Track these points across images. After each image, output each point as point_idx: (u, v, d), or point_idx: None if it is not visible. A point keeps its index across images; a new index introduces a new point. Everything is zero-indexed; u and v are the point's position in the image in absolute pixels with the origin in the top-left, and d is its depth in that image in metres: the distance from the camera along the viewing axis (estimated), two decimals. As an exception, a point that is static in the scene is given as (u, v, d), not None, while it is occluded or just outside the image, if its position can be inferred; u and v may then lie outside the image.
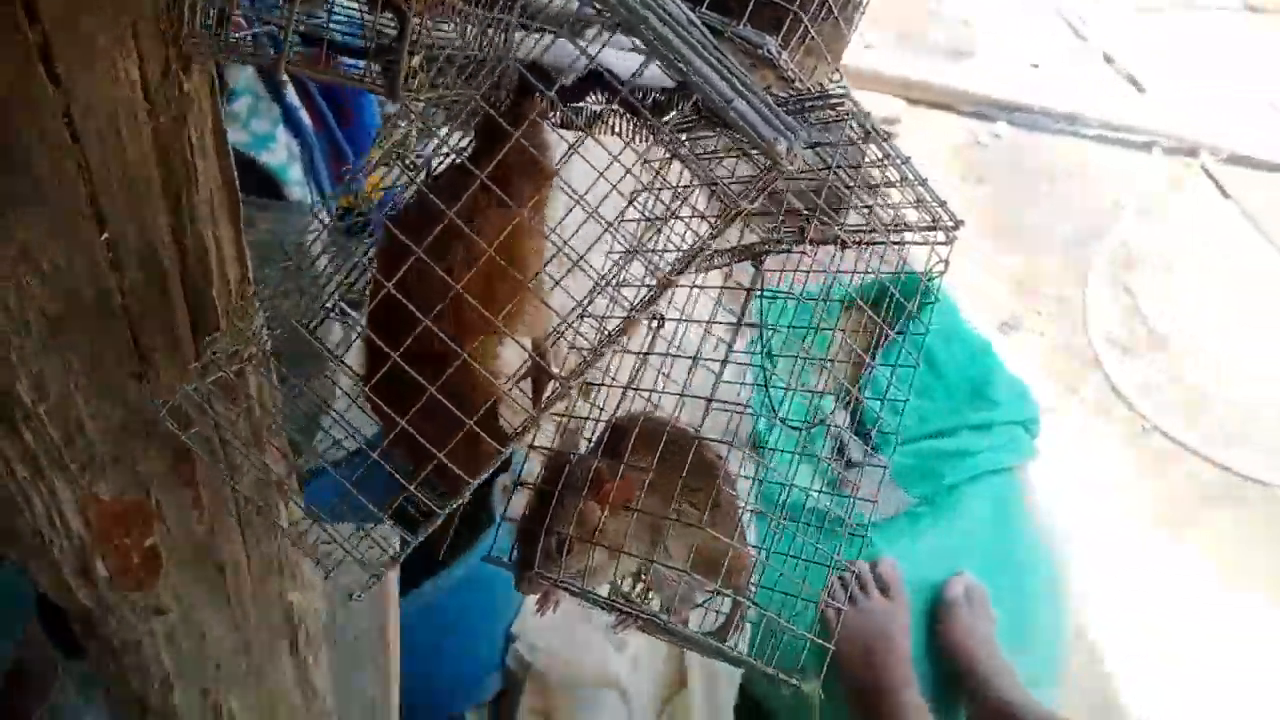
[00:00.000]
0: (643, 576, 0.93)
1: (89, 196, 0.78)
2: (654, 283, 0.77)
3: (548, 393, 0.83)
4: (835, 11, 0.86)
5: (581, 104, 0.83)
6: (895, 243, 0.92)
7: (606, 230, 0.78)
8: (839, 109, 0.78)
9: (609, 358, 0.91)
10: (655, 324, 0.83)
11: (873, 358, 1.02)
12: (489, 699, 2.19)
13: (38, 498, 0.92)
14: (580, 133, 0.74)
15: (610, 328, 0.80)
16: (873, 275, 0.94)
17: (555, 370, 0.82)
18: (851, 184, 0.81)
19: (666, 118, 0.83)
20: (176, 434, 0.81)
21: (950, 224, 0.89)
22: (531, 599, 0.97)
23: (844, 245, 0.88)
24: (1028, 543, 2.31)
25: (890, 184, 0.85)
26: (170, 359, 0.90)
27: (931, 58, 4.35)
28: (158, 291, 0.86)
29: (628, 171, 0.83)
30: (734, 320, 0.95)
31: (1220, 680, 2.44)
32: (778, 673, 0.81)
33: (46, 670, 1.64)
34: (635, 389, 0.88)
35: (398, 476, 0.79)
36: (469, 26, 0.82)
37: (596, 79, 0.87)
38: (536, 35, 0.88)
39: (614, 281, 0.82)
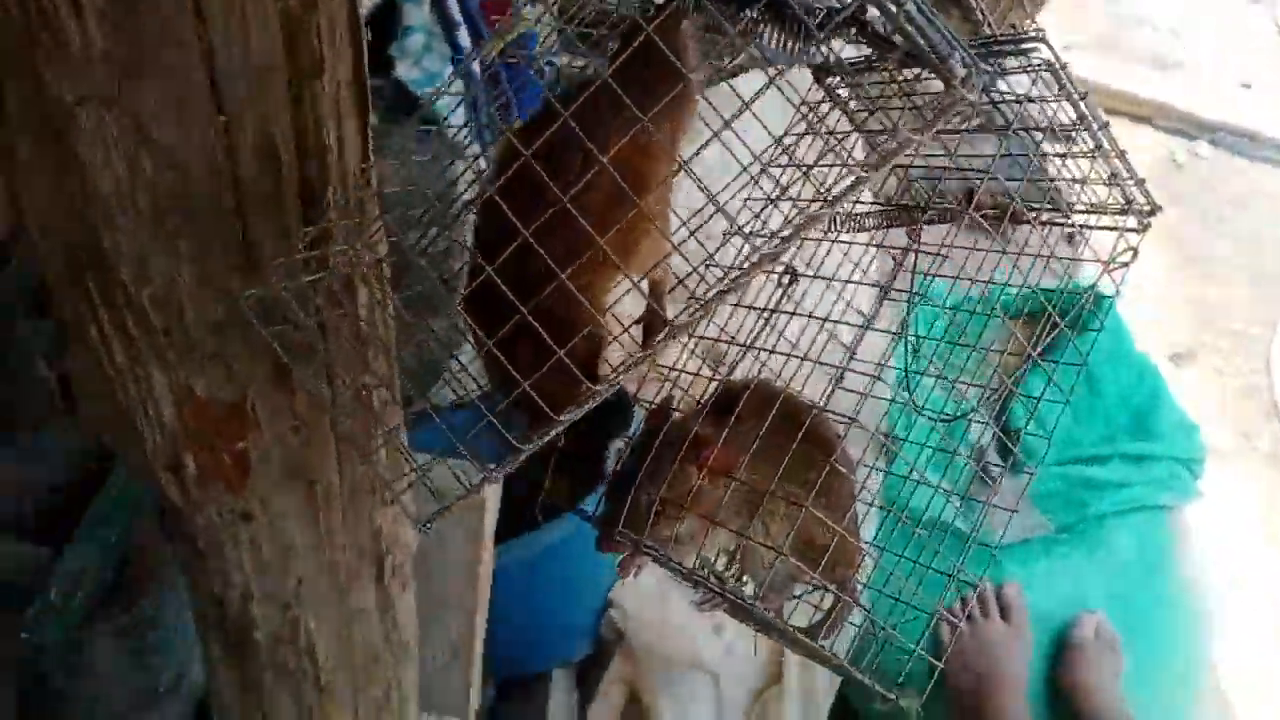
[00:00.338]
0: (736, 556, 0.85)
1: (209, 75, 0.75)
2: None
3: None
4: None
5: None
6: (1078, 226, 0.81)
7: (745, 171, 0.70)
8: (1031, 53, 0.67)
9: (729, 313, 0.82)
10: (786, 279, 0.74)
11: (1027, 368, 0.91)
12: (577, 661, 2.17)
13: (133, 385, 0.90)
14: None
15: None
16: (1041, 280, 0.83)
17: (669, 317, 0.74)
18: (1033, 147, 0.71)
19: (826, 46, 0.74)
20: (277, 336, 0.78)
21: (1146, 208, 0.77)
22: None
23: (1016, 220, 0.77)
24: (1172, 591, 2.13)
25: (1080, 154, 0.74)
26: (278, 258, 0.86)
27: (1133, 66, 4.07)
28: (271, 186, 0.82)
29: (800, 105, 0.75)
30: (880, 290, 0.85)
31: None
32: (874, 683, 0.72)
33: (159, 554, 1.69)
34: (754, 348, 0.80)
35: (483, 409, 0.73)
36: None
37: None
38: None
39: (750, 230, 0.73)
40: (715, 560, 0.87)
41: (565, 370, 0.68)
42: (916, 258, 0.80)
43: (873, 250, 0.91)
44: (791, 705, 2.01)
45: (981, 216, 0.74)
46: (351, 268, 0.86)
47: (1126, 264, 0.77)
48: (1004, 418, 1.89)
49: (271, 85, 0.77)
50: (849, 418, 0.75)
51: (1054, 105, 0.71)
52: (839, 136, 0.76)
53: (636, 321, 0.80)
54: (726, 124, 0.64)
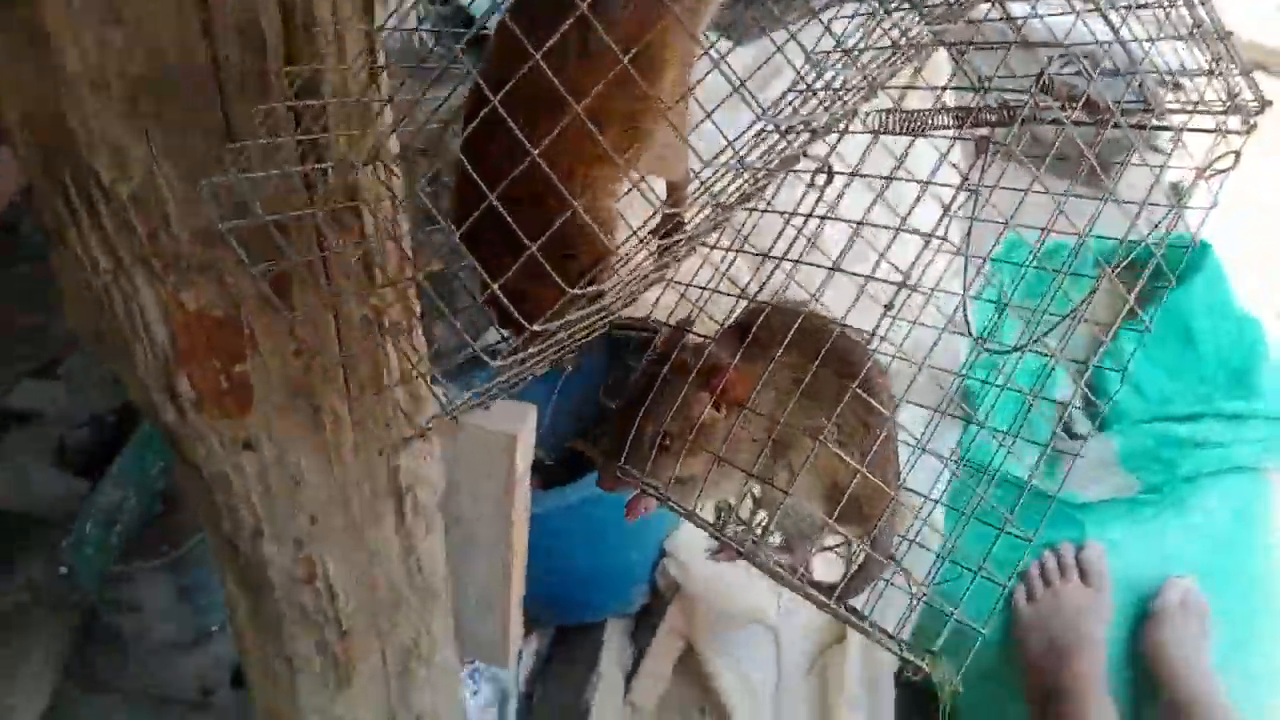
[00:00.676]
0: (760, 500, 0.75)
1: (175, -67, 0.67)
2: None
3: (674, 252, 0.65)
4: None
5: None
6: (1169, 128, 0.68)
7: (778, 52, 0.60)
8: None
9: (758, 220, 0.72)
10: (820, 177, 0.63)
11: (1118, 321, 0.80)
12: (633, 612, 2.12)
13: (119, 295, 0.84)
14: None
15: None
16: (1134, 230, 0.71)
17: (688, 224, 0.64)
18: (1117, 29, 0.59)
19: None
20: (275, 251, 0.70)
21: (1253, 104, 0.64)
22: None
23: (1103, 121, 0.65)
24: (1269, 559, 1.97)
25: (1173, 35, 0.62)
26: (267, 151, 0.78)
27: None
28: (256, 70, 0.74)
29: None
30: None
31: None
32: (901, 648, 0.62)
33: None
34: (783, 260, 0.69)
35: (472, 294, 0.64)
36: None
37: None
38: None
39: (783, 123, 0.63)
40: (740, 505, 0.77)
41: (546, 272, 0.59)
42: (986, 161, 0.69)
43: (935, 155, 0.79)
44: (854, 663, 1.91)
45: (1052, 109, 0.63)
46: (351, 169, 0.78)
47: (1225, 170, 0.65)
48: (1089, 379, 1.76)
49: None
50: (894, 355, 0.63)
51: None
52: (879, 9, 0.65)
53: (653, 232, 0.70)
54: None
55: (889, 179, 0.62)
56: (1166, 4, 0.60)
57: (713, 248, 0.72)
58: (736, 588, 1.94)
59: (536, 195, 0.59)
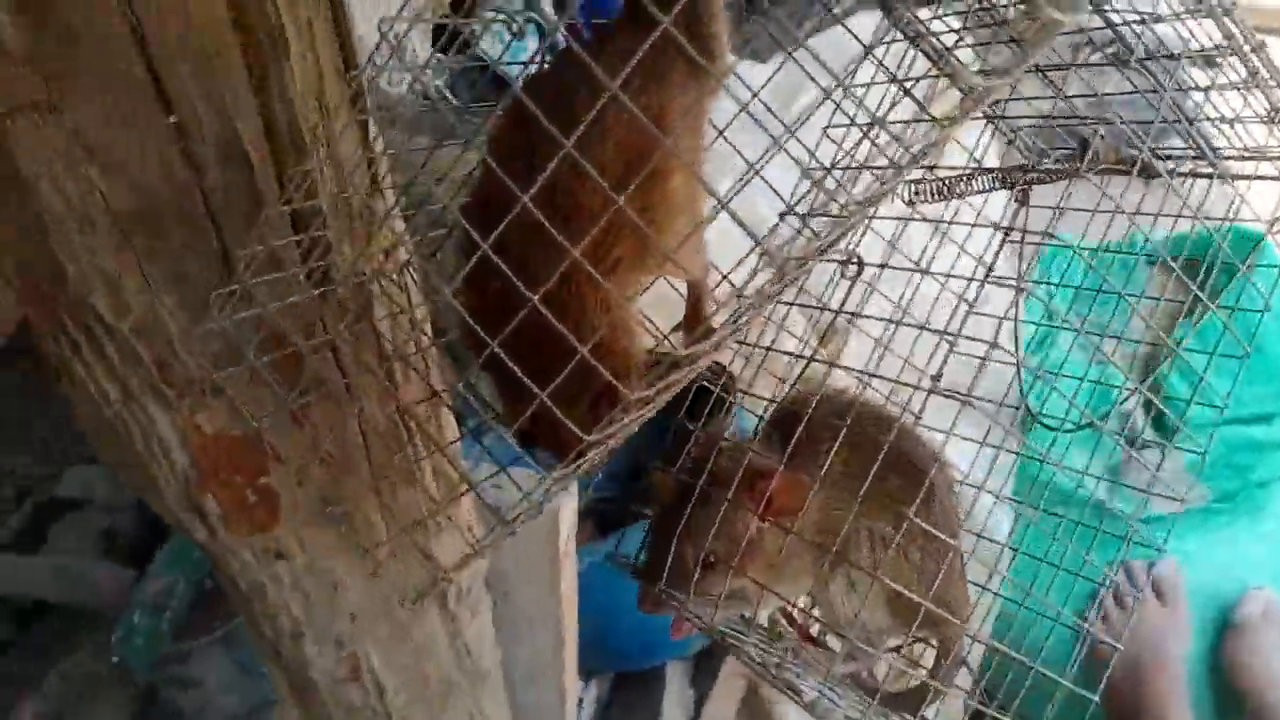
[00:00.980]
0: (814, 605, 0.70)
1: (148, 69, 0.63)
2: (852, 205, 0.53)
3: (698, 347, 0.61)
4: None
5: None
6: (1227, 175, 0.63)
7: (791, 136, 0.55)
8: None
9: (786, 310, 0.67)
10: (850, 269, 0.58)
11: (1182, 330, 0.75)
12: (692, 655, 2.07)
13: (135, 425, 0.81)
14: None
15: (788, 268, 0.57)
16: (1192, 222, 0.66)
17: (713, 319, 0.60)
18: (1167, 78, 0.53)
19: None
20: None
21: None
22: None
23: (1149, 175, 0.60)
24: (1354, 567, 1.88)
25: (1228, 85, 0.57)
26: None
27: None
28: (246, 191, 0.71)
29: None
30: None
31: None
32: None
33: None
34: (816, 360, 0.64)
35: (505, 435, 0.60)
36: None
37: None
38: None
39: (808, 206, 0.58)
40: (794, 607, 0.72)
41: (584, 392, 0.55)
42: (1026, 226, 0.64)
43: (971, 223, 0.74)
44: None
45: (1103, 172, 0.58)
46: (359, 280, 0.74)
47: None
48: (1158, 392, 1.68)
49: (222, 71, 0.66)
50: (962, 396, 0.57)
51: (1192, 24, 0.53)
52: (913, 81, 0.60)
53: (676, 328, 0.66)
54: (756, 94, 0.49)
55: (922, 272, 0.57)
56: (1219, 56, 0.54)
57: (742, 344, 0.67)
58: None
59: (546, 327, 0.55)
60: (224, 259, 0.73)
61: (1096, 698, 0.64)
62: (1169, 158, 0.61)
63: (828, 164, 0.68)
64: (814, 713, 0.55)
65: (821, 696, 0.55)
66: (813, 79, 0.52)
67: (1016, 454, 1.08)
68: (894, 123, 0.61)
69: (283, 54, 0.67)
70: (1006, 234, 0.73)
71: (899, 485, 0.65)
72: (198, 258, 0.72)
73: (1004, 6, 0.55)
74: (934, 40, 0.58)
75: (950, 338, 0.60)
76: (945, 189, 0.65)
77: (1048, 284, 1.55)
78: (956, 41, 0.59)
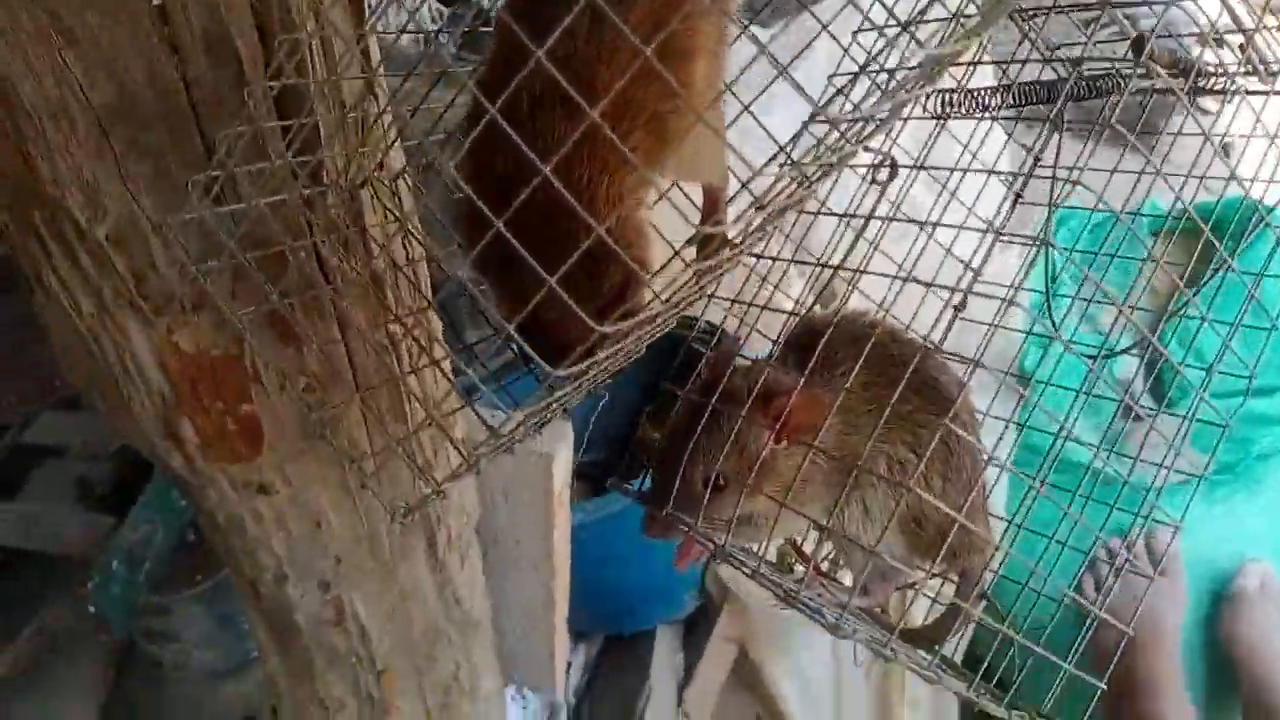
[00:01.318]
0: (826, 534, 0.66)
1: (127, -57, 0.59)
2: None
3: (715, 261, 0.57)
4: None
5: None
6: (1258, 91, 0.59)
7: (824, 30, 0.51)
8: None
9: (809, 223, 0.63)
10: (882, 172, 0.54)
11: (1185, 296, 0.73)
12: (682, 618, 2.04)
13: (109, 341, 0.77)
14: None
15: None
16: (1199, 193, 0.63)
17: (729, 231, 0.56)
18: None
19: None
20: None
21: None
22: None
23: (1198, 90, 0.56)
24: (1354, 540, 1.87)
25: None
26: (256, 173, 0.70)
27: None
28: (231, 84, 0.66)
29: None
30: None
31: None
32: (1010, 714, 0.54)
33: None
34: (842, 268, 0.60)
35: (499, 322, 0.55)
36: None
37: None
38: None
39: (841, 119, 0.54)
40: (804, 539, 0.69)
41: (584, 295, 0.51)
42: (1061, 141, 0.60)
43: (1000, 141, 0.71)
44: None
45: (1158, 78, 0.54)
46: (348, 182, 0.70)
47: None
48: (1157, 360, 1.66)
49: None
50: (971, 360, 0.54)
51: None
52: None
53: (690, 241, 0.62)
54: None
55: (962, 171, 0.53)
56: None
57: (760, 257, 0.63)
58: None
59: (554, 213, 0.51)
60: (208, 159, 0.68)
61: (1103, 684, 0.62)
62: (1220, 72, 0.57)
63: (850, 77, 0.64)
64: (838, 634, 0.52)
65: (845, 618, 0.51)
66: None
67: (1020, 425, 1.06)
68: (925, 21, 0.57)
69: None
70: (1018, 196, 0.70)
71: (919, 407, 0.61)
72: (180, 157, 0.68)
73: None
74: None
75: (960, 291, 0.56)
76: (976, 101, 0.61)
77: (1062, 249, 1.52)
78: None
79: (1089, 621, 0.63)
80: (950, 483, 0.62)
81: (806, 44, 0.59)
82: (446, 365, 0.90)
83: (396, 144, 0.75)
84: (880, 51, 0.58)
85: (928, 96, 0.61)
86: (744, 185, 0.58)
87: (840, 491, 0.59)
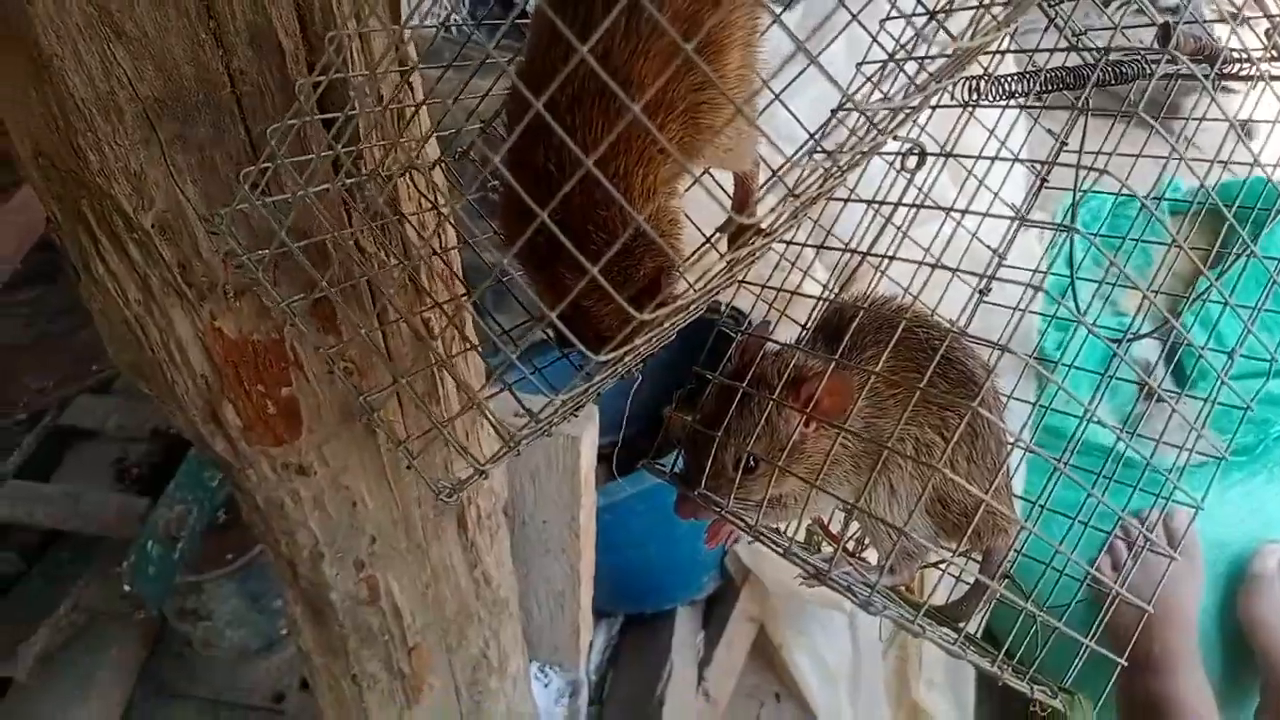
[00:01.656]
0: (854, 515, 0.68)
1: (178, -60, 0.61)
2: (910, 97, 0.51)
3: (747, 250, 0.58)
4: None
5: None
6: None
7: (854, 20, 0.52)
8: None
9: (838, 210, 0.65)
10: (911, 159, 0.56)
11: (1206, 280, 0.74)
12: (703, 597, 2.07)
13: (154, 327, 0.79)
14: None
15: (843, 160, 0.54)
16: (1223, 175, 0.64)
17: (759, 220, 0.57)
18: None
19: None
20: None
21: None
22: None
23: (1225, 75, 0.57)
24: (1371, 521, 1.86)
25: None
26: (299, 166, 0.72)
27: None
28: (276, 78, 0.68)
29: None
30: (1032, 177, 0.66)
31: None
32: (1033, 689, 0.55)
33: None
34: (871, 254, 0.62)
35: (542, 311, 0.57)
36: None
37: None
38: None
39: (865, 105, 0.55)
40: (830, 519, 0.71)
41: (618, 284, 0.52)
42: (1086, 126, 0.61)
43: (1024, 128, 0.72)
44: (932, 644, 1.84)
45: (1173, 74, 0.55)
46: (380, 178, 0.72)
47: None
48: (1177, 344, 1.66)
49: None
50: (1000, 346, 0.55)
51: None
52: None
53: (721, 229, 0.63)
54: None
55: (990, 159, 0.54)
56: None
57: (789, 243, 0.65)
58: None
59: (591, 204, 0.52)
60: (252, 151, 0.70)
61: (1123, 660, 0.63)
62: (1245, 58, 0.58)
63: (880, 65, 0.65)
64: (870, 610, 0.53)
65: (875, 594, 0.53)
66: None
67: (1044, 407, 1.06)
68: (954, 9, 0.58)
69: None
70: (1043, 182, 0.71)
71: (946, 391, 0.63)
72: (224, 148, 0.70)
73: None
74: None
75: (986, 276, 0.57)
76: (1003, 87, 0.62)
77: (1087, 234, 1.52)
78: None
79: (1109, 599, 0.64)
80: (975, 465, 0.63)
81: (835, 35, 0.60)
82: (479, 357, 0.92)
83: (433, 135, 0.77)
84: (910, 40, 0.59)
85: (955, 84, 0.62)
86: (775, 174, 0.59)
87: (868, 473, 0.60)
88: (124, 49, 0.64)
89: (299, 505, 0.96)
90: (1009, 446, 0.64)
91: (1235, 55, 0.58)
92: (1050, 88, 0.64)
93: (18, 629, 1.69)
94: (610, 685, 1.97)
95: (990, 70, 0.63)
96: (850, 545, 0.73)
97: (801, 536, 0.71)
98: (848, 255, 0.65)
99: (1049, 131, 0.71)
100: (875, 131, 0.52)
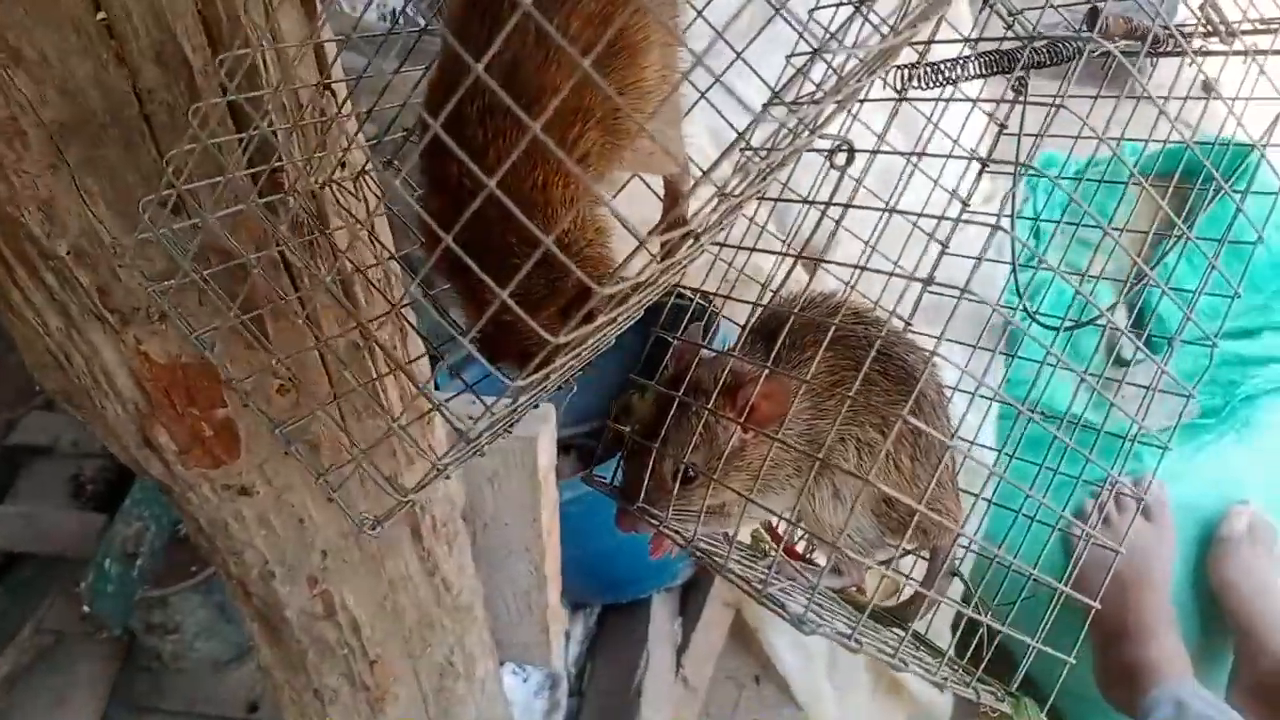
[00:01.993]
0: (797, 517, 0.66)
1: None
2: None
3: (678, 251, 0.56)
4: None
5: None
6: (1250, 52, 0.59)
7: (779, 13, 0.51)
8: None
9: (770, 209, 0.63)
10: (839, 157, 0.54)
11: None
12: (679, 584, 2.06)
13: (77, 353, 0.76)
14: None
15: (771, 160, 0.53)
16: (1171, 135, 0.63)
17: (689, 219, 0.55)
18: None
19: None
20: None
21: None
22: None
23: (1158, 52, 0.56)
24: (1336, 479, 1.86)
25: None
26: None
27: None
28: (185, 94, 0.65)
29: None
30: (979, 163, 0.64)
31: None
32: (978, 691, 0.54)
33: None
34: (803, 257, 0.60)
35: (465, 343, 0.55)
36: None
37: None
38: None
39: (794, 96, 0.54)
40: (778, 521, 0.69)
41: (541, 300, 0.51)
42: (1024, 115, 0.60)
43: (965, 113, 0.70)
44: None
45: (1110, 51, 0.53)
46: (301, 189, 0.69)
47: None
48: (1139, 304, 1.66)
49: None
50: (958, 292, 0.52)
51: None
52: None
53: (652, 233, 0.61)
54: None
55: (919, 155, 0.53)
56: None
57: (723, 245, 0.63)
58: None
59: (508, 219, 0.50)
60: (163, 168, 0.68)
61: (1097, 604, 0.62)
62: (1181, 34, 0.57)
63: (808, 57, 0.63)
64: (803, 628, 0.52)
65: (809, 611, 0.51)
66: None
67: (1010, 355, 1.05)
68: None
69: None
70: (984, 166, 0.69)
71: (886, 390, 0.61)
72: (135, 170, 0.67)
73: None
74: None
75: (921, 281, 0.56)
76: (938, 74, 0.61)
77: (1033, 219, 1.52)
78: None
79: (1081, 543, 0.63)
80: (920, 463, 0.62)
81: (757, 32, 0.58)
82: (425, 364, 0.90)
83: (357, 141, 0.74)
84: (839, 29, 0.58)
85: (887, 72, 0.61)
86: (705, 174, 0.57)
87: (810, 476, 0.59)
88: (24, 74, 0.61)
89: (244, 525, 0.93)
90: (952, 442, 0.62)
91: (1167, 33, 0.57)
92: (985, 72, 0.62)
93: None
94: (589, 676, 1.96)
95: (924, 57, 0.62)
96: (800, 546, 0.71)
97: (748, 540, 0.69)
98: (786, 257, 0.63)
99: (989, 116, 0.70)
100: (803, 129, 0.50)
